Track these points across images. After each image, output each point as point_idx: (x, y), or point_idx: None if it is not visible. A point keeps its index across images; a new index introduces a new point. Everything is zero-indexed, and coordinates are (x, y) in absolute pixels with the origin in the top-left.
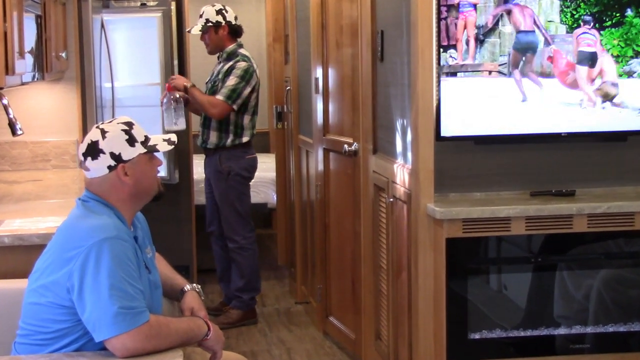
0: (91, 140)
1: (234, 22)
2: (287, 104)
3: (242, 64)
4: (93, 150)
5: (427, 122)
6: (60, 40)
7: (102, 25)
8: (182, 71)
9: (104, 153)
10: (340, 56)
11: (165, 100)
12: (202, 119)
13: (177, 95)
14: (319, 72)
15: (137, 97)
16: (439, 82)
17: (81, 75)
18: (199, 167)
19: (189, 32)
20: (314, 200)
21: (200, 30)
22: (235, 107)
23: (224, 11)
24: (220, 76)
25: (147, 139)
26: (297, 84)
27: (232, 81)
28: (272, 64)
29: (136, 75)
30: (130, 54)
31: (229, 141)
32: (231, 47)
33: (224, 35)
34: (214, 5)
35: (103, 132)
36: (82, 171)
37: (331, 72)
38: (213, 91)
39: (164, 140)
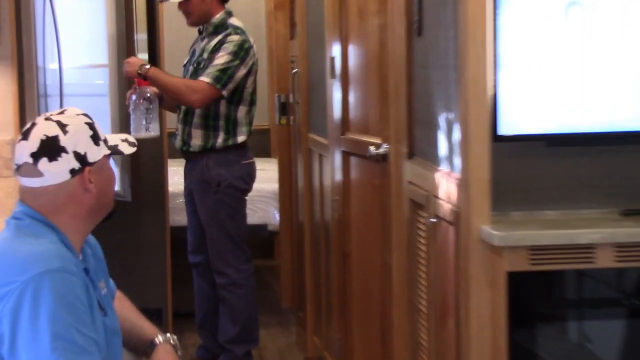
0: (46, 136)
1: None
2: (293, 93)
3: (234, 37)
4: (50, 149)
5: (480, 116)
6: None
7: None
8: (153, 49)
9: (66, 152)
10: (364, 28)
11: (133, 97)
12: (180, 112)
13: (149, 92)
14: (336, 50)
15: (92, 84)
16: (496, 62)
17: (18, 54)
18: (175, 175)
19: (161, 1)
20: (330, 221)
21: None
22: (225, 92)
23: None
24: (205, 55)
25: (105, 137)
26: (306, 66)
27: (221, 59)
28: (274, 38)
29: (91, 55)
30: (85, 27)
31: (219, 141)
32: (218, 16)
33: (214, 2)
34: None
35: (62, 125)
36: (18, 181)
37: (352, 50)
38: (197, 76)
39: (122, 140)
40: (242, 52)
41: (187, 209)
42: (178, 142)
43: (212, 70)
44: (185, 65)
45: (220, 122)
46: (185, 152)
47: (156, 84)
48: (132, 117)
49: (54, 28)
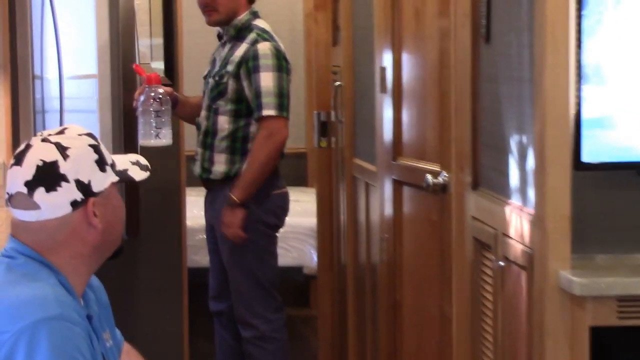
0: (43, 161)
1: None
2: (335, 110)
3: (265, 47)
4: (48, 177)
5: (559, 140)
6: None
7: None
8: (170, 57)
9: (66, 181)
10: (421, 33)
11: (141, 98)
12: (199, 134)
13: (160, 93)
14: (387, 59)
15: (79, 97)
16: (580, 74)
17: (12, 62)
18: (195, 208)
19: None
20: (378, 264)
21: None
22: (289, 116)
23: None
24: (230, 68)
25: (112, 161)
26: (352, 78)
27: (269, 80)
28: (313, 45)
29: (77, 64)
30: (88, 31)
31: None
32: (243, 17)
33: None
34: None
35: (62, 149)
36: (9, 212)
37: (406, 60)
38: (220, 92)
39: (132, 163)
40: (282, 61)
41: (208, 247)
42: (197, 169)
43: (269, 99)
44: (205, 77)
45: (248, 145)
46: (205, 180)
47: (254, 185)
48: (140, 121)
49: (54, 32)
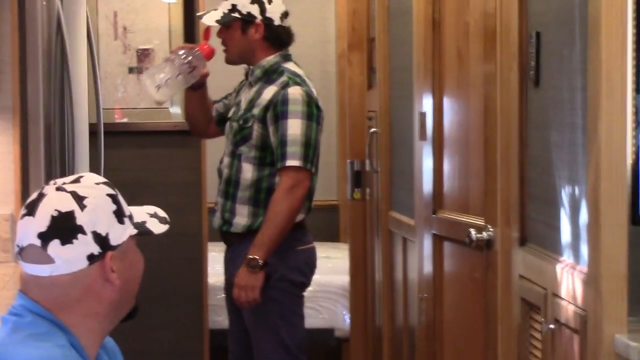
0: (58, 212)
1: (276, 22)
2: (370, 158)
3: (296, 90)
4: (64, 228)
5: (615, 192)
6: None
7: (59, 21)
8: None
9: (83, 233)
10: (464, 76)
11: (181, 52)
12: (220, 183)
13: (200, 65)
14: (427, 104)
15: None
16: (637, 121)
17: (22, 104)
18: (217, 264)
19: (200, 17)
20: (416, 327)
21: (219, 21)
22: (314, 169)
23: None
24: (256, 111)
25: (130, 212)
26: (388, 124)
27: (296, 127)
28: (347, 88)
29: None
30: None
31: None
32: (270, 59)
33: (256, 40)
34: None
35: (79, 198)
36: (18, 267)
37: (448, 104)
38: (244, 137)
39: (150, 215)
40: (313, 108)
41: (227, 307)
42: (217, 221)
43: (295, 148)
44: (229, 119)
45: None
46: (224, 233)
47: (274, 243)
48: (159, 64)
49: (68, 69)
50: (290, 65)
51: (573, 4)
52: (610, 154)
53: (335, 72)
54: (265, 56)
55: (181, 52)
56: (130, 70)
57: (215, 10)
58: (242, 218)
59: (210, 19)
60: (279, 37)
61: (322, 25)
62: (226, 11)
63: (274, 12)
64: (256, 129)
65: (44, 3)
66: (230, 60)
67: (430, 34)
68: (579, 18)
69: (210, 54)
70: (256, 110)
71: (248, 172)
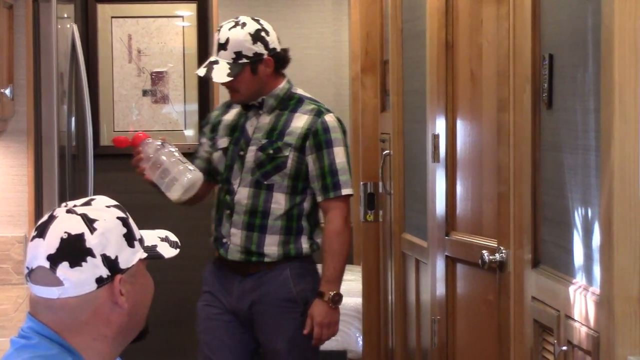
0: (68, 234)
1: (278, 49)
2: (383, 181)
3: (332, 118)
4: (73, 251)
5: (628, 213)
6: (2, 69)
7: (73, 41)
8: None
9: (93, 256)
10: (477, 98)
11: (148, 162)
12: (236, 214)
13: (157, 142)
14: (440, 126)
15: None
16: None
17: (36, 127)
18: None
19: (207, 77)
20: (429, 349)
21: (230, 74)
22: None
23: (262, 33)
24: (292, 140)
25: (141, 235)
26: (402, 146)
27: (341, 154)
28: (360, 111)
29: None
30: None
31: (305, 247)
32: (283, 85)
33: (269, 74)
34: (242, 25)
35: (89, 221)
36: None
37: (461, 127)
38: (277, 166)
39: (161, 239)
40: (345, 134)
41: (216, 340)
42: (233, 252)
43: (346, 177)
44: (226, 150)
45: (303, 223)
46: (246, 264)
47: (343, 273)
48: (163, 167)
49: (85, 90)
50: (300, 91)
51: (586, 27)
52: (623, 176)
53: (348, 95)
54: (276, 84)
55: (149, 161)
56: (144, 92)
57: (215, 62)
58: (273, 247)
59: (220, 76)
60: (285, 63)
61: (336, 48)
62: (230, 61)
63: (274, 40)
64: (292, 158)
65: (59, 26)
66: (241, 101)
67: (443, 56)
68: (591, 40)
69: (143, 135)
70: (290, 139)
71: (281, 201)
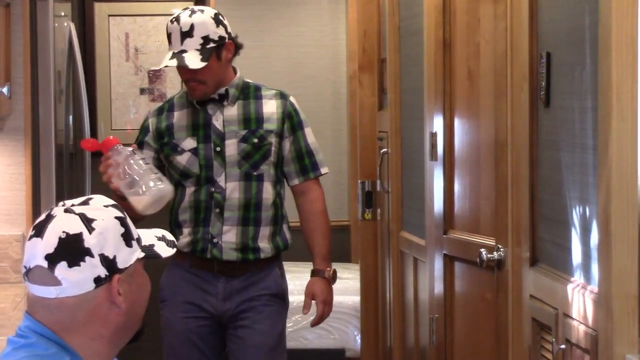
0: (66, 234)
1: (233, 34)
2: (381, 179)
3: (293, 100)
4: (71, 251)
5: (626, 212)
6: None
7: (71, 39)
8: None
9: (91, 255)
10: (474, 97)
11: (116, 167)
12: (229, 208)
13: (127, 149)
14: (437, 125)
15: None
16: None
17: (34, 125)
18: None
19: (180, 65)
20: (427, 347)
21: (203, 59)
22: None
23: (220, 16)
24: (272, 126)
25: (138, 235)
26: (399, 145)
27: (311, 134)
28: (357, 109)
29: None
30: None
31: (288, 237)
32: (240, 76)
33: (229, 60)
34: (201, 11)
35: (87, 220)
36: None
37: (459, 125)
38: (264, 155)
39: (158, 238)
40: None
41: (202, 353)
42: (228, 252)
43: (320, 155)
44: (195, 150)
45: (283, 211)
46: (241, 263)
47: (331, 256)
48: (132, 175)
49: (82, 88)
50: (248, 79)
51: (583, 25)
52: (621, 174)
53: (346, 93)
54: (232, 74)
55: (117, 159)
56: (142, 91)
57: (182, 51)
58: (265, 241)
59: (194, 62)
60: (240, 48)
61: (334, 46)
62: (199, 47)
63: (229, 25)
64: (274, 144)
65: (56, 25)
66: (204, 96)
67: (440, 54)
68: (589, 38)
69: (114, 139)
70: (271, 125)
71: (270, 191)
